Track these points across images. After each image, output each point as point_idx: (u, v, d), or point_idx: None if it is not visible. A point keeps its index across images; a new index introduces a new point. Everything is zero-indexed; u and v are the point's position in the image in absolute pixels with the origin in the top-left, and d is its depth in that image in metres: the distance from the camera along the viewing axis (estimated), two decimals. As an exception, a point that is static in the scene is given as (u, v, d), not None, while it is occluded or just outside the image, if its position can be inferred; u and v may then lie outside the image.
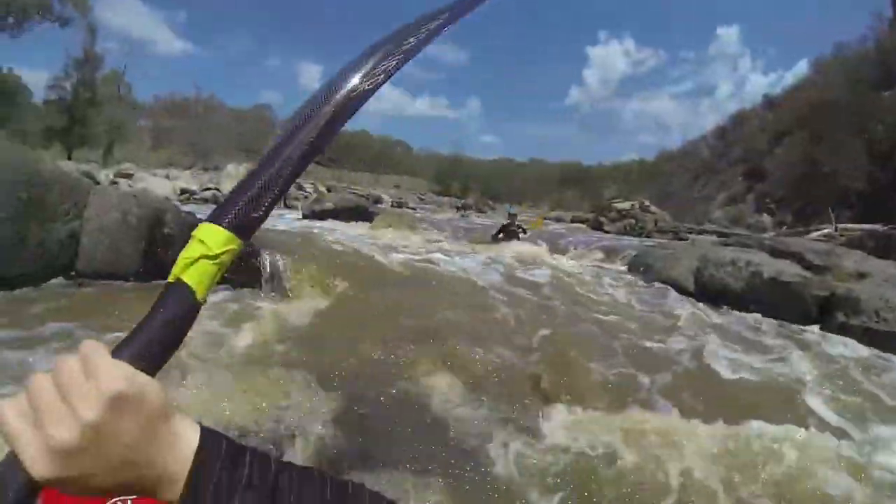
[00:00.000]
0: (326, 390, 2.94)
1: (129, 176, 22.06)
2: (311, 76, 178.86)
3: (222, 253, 0.60)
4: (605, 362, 4.07)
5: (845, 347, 5.24)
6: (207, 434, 0.49)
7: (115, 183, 17.61)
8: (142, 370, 0.47)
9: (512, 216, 12.34)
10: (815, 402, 3.62)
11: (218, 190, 24.23)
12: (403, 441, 2.62)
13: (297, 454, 2.37)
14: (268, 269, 5.07)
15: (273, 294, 4.92)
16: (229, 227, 0.61)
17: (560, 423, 2.91)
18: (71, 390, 0.43)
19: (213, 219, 0.62)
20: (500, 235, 11.68)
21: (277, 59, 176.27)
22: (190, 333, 0.51)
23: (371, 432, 2.65)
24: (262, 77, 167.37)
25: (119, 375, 0.45)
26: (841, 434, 3.06)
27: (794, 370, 4.33)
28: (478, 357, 3.79)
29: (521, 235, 11.60)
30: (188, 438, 0.48)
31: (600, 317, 5.64)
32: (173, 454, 0.46)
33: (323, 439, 2.52)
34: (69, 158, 31.69)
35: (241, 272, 4.96)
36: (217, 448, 0.48)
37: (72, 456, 0.42)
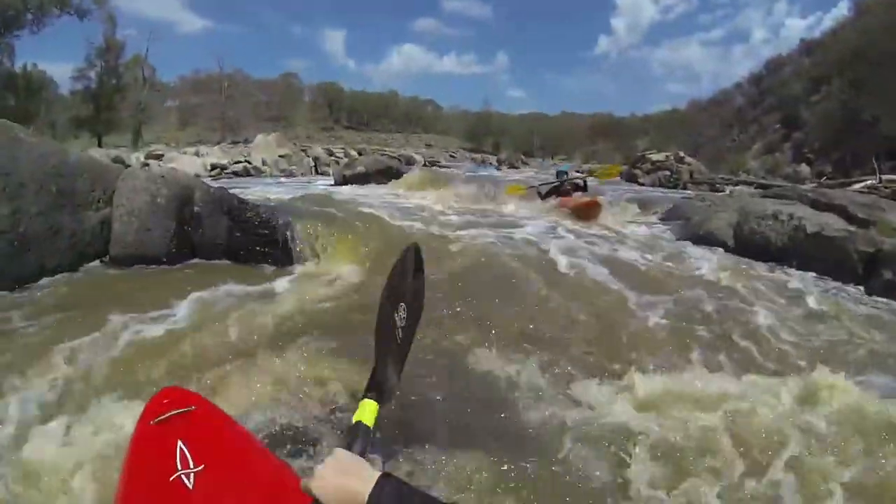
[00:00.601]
0: (362, 362, 2.90)
1: (159, 157, 22.32)
2: (336, 42, 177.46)
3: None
4: (651, 325, 4.02)
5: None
6: (383, 480, 0.85)
7: (147, 165, 17.80)
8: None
9: (561, 175, 11.17)
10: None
11: (248, 162, 24.30)
12: (452, 413, 2.60)
13: (341, 427, 2.37)
14: (303, 241, 5.09)
15: (310, 264, 4.95)
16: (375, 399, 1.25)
17: (611, 391, 2.82)
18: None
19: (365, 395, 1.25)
20: (551, 197, 10.53)
21: (301, 27, 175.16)
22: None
23: (420, 407, 2.62)
24: (288, 46, 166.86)
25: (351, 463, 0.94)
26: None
27: (837, 331, 4.17)
28: (519, 324, 3.74)
29: (577, 193, 10.32)
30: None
31: (642, 275, 5.56)
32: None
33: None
34: (99, 145, 32.26)
35: (273, 246, 5.00)
36: (391, 491, 0.84)
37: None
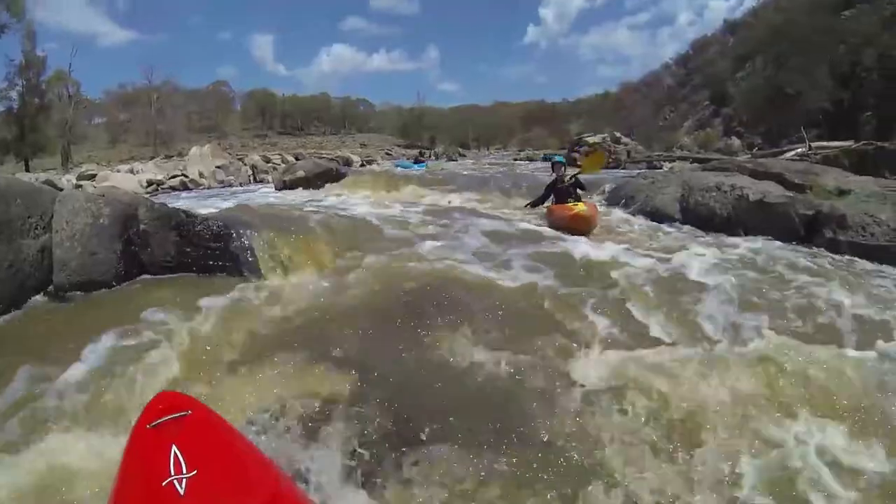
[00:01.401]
0: (344, 366, 2.90)
1: (92, 177, 21.43)
2: (265, 47, 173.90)
3: None
4: (608, 301, 4.11)
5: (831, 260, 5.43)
6: None
7: (80, 186, 17.07)
8: None
9: (558, 167, 8.33)
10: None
11: (185, 176, 23.64)
12: (433, 405, 2.61)
13: (336, 435, 2.37)
14: (257, 250, 4.88)
15: (261, 276, 4.73)
16: None
17: (583, 366, 2.92)
18: None
19: None
20: (548, 202, 8.23)
21: (228, 33, 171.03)
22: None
23: (400, 400, 2.63)
24: (216, 54, 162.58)
25: None
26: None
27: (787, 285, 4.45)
28: (488, 310, 3.75)
29: (579, 192, 8.03)
30: None
31: (597, 253, 5.67)
32: None
33: (355, 415, 2.52)
34: (27, 169, 30.69)
35: (232, 258, 4.81)
36: None
37: None
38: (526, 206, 9.02)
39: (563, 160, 8.66)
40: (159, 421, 1.53)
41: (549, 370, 2.91)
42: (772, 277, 4.73)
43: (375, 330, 3.47)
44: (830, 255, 5.63)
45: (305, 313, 3.87)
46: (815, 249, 5.79)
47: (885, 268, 5.19)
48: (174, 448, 1.45)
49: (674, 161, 19.26)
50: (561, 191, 7.83)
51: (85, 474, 2.11)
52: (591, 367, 2.90)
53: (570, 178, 8.03)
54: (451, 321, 3.54)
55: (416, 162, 30.85)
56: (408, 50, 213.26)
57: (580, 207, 6.97)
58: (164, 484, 1.38)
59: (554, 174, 8.24)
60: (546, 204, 8.19)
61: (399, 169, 24.69)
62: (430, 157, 39.01)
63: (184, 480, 1.39)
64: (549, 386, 2.75)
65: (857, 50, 30.66)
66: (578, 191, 7.92)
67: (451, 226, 7.09)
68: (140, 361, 2.99)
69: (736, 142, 34.90)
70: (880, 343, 3.11)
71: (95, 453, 2.23)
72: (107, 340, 3.31)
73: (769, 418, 2.36)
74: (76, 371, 2.93)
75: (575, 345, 3.26)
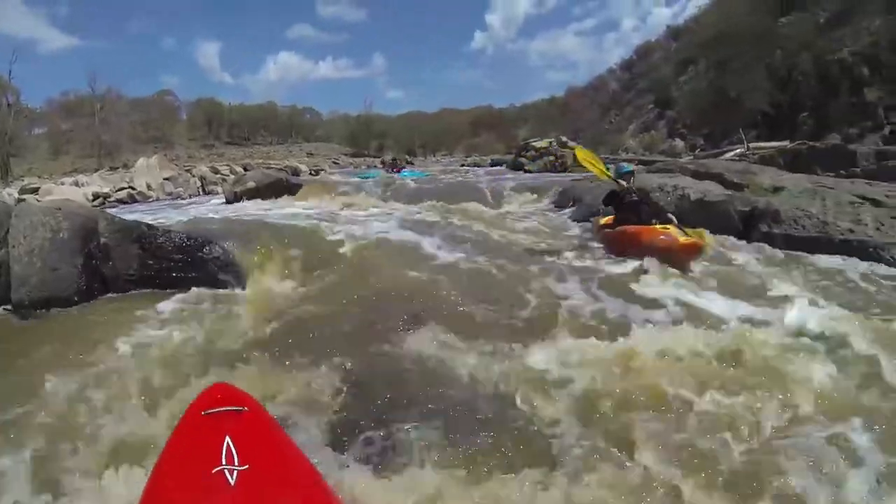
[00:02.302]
0: (320, 365, 3.02)
1: (34, 191, 20.65)
2: (210, 55, 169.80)
3: None
4: (557, 295, 4.44)
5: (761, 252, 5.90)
6: None
7: (22, 200, 16.52)
8: None
9: (626, 177, 6.33)
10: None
11: (133, 188, 23.07)
12: (404, 397, 2.75)
13: (314, 428, 2.47)
14: (223, 261, 4.93)
15: (232, 286, 4.78)
16: None
17: (533, 357, 3.13)
18: None
19: None
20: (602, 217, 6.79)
21: (172, 40, 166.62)
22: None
23: (372, 394, 2.77)
24: (160, 61, 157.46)
25: None
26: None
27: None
28: (449, 308, 3.97)
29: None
30: None
31: (547, 252, 6.06)
32: None
33: (331, 409, 2.64)
34: (-36, 183, 29.20)
35: (197, 269, 4.84)
36: None
37: None
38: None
39: (630, 170, 6.57)
40: (214, 410, 1.57)
41: (504, 361, 3.12)
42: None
43: (343, 331, 3.61)
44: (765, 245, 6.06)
45: (273, 319, 3.95)
46: (751, 245, 6.18)
47: (811, 255, 5.69)
48: (228, 439, 1.49)
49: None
50: (631, 206, 6.05)
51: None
52: (539, 356, 3.13)
53: (635, 191, 6.23)
54: (413, 322, 3.70)
55: (395, 170, 25.71)
56: (355, 57, 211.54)
57: (691, 235, 5.36)
58: (213, 472, 1.42)
59: (622, 184, 6.20)
60: (603, 219, 6.58)
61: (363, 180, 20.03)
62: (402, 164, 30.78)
63: (235, 472, 1.42)
64: (505, 376, 2.94)
65: (794, 54, 32.12)
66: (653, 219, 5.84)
67: (412, 232, 7.28)
68: (107, 377, 3.02)
69: (679, 143, 36.06)
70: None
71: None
72: (71, 357, 3.31)
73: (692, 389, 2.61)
74: (42, 391, 2.89)
75: (526, 337, 3.50)
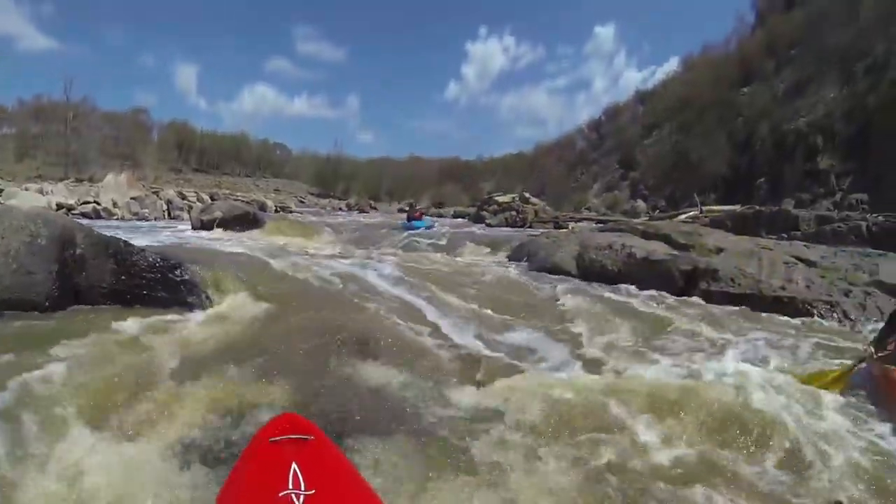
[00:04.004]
0: (274, 388, 3.24)
1: (-2, 191, 20.39)
2: (188, 77, 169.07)
3: None
4: (499, 337, 4.88)
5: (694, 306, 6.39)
6: None
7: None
8: None
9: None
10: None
11: (98, 203, 22.89)
12: (350, 421, 2.97)
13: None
14: (192, 284, 5.15)
15: (200, 308, 4.99)
16: None
17: (467, 392, 3.46)
18: None
19: None
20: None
21: (151, 58, 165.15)
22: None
23: (320, 411, 2.98)
24: (137, 77, 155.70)
25: None
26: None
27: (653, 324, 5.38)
28: (396, 342, 4.24)
29: None
30: None
31: (497, 300, 6.38)
32: None
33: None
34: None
35: (167, 289, 5.03)
36: None
37: None
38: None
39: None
40: (282, 438, 1.64)
41: (445, 386, 3.46)
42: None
43: (294, 357, 3.84)
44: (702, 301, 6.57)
45: (237, 340, 4.19)
46: (691, 301, 6.64)
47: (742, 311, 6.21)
48: (294, 465, 1.54)
49: (579, 221, 20.58)
50: None
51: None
52: (478, 381, 3.52)
53: None
54: (365, 348, 4.00)
55: (412, 219, 19.73)
56: (330, 96, 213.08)
57: None
58: (280, 495, 1.46)
59: None
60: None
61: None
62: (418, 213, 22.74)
63: (301, 496, 1.46)
64: (446, 399, 3.28)
65: (753, 122, 33.86)
66: None
67: (365, 268, 7.78)
68: (72, 384, 3.09)
69: (641, 204, 37.29)
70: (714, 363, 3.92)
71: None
72: (39, 361, 3.34)
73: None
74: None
75: (456, 366, 3.88)
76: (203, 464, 2.47)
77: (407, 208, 26.99)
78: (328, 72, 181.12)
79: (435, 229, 17.96)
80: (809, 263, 7.25)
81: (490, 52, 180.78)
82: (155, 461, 2.48)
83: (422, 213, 22.57)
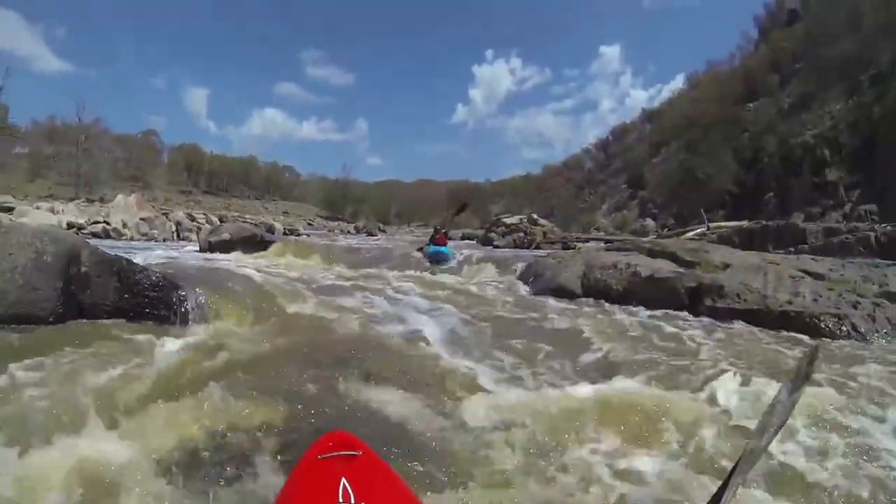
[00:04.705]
0: (271, 401, 3.24)
1: (9, 209, 20.55)
2: (198, 101, 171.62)
3: None
4: (502, 356, 4.80)
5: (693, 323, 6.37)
6: None
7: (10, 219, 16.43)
8: None
9: None
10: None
11: (107, 223, 23.15)
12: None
13: (255, 466, 2.63)
14: (194, 304, 5.20)
15: (201, 326, 5.03)
16: None
17: (471, 408, 3.40)
18: None
19: None
20: None
21: (163, 82, 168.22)
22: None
23: (311, 426, 3.00)
24: (148, 100, 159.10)
25: None
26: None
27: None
28: (395, 363, 4.23)
29: None
30: None
31: (501, 319, 6.40)
32: None
33: (270, 449, 2.81)
34: (-66, 192, 28.76)
35: (169, 308, 5.08)
36: None
37: None
38: None
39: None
40: (330, 455, 1.66)
41: (439, 407, 3.42)
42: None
43: (297, 372, 3.86)
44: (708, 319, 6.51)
45: (234, 358, 4.17)
46: (695, 318, 6.59)
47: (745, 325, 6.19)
48: (343, 480, 1.54)
49: (587, 242, 20.60)
50: None
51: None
52: (473, 404, 3.46)
53: None
54: (362, 366, 4.01)
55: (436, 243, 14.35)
56: (338, 120, 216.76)
57: None
58: None
59: None
60: None
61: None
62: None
63: None
64: (436, 419, 3.25)
65: (759, 137, 33.87)
66: None
67: (365, 290, 7.81)
68: (73, 393, 3.19)
69: (650, 223, 37.26)
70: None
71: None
72: (44, 369, 3.51)
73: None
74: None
75: (458, 385, 3.84)
76: (189, 479, 2.48)
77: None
78: (337, 96, 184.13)
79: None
80: (817, 276, 7.17)
81: (497, 75, 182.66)
82: (144, 469, 2.50)
83: (447, 237, 15.68)
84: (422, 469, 2.65)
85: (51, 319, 4.56)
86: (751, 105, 38.95)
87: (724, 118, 38.08)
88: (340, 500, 1.48)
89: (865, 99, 27.13)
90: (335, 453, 1.68)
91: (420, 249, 14.47)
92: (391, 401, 3.46)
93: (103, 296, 4.93)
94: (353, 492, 1.50)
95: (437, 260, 12.89)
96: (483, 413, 3.30)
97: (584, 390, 3.64)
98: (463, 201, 14.71)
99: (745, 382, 3.82)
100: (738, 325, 6.18)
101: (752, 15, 49.75)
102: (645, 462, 2.74)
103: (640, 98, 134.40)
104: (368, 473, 1.65)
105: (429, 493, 2.45)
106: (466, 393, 3.67)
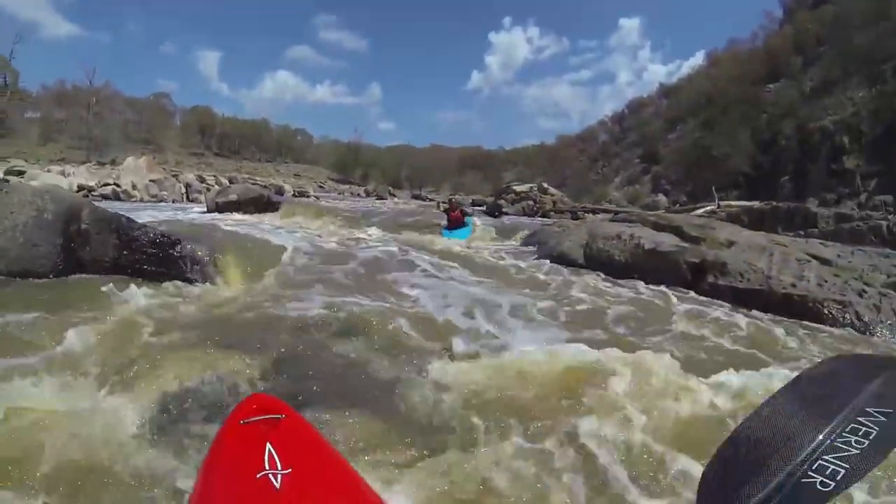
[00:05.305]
0: (254, 363, 3.25)
1: (21, 173, 20.73)
2: (210, 64, 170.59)
3: None
4: (488, 316, 4.84)
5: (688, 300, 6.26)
6: None
7: (6, 181, 16.56)
8: None
9: None
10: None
11: (118, 185, 23.28)
12: (327, 389, 3.03)
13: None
14: (192, 260, 5.26)
15: (199, 283, 5.11)
16: None
17: (442, 367, 3.43)
18: None
19: None
20: None
21: (174, 45, 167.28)
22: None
23: (301, 383, 3.05)
24: (159, 64, 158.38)
25: None
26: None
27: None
28: (384, 327, 4.22)
29: None
30: None
31: (493, 284, 6.37)
32: None
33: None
34: (-53, 155, 28.97)
35: (167, 264, 5.14)
36: None
37: None
38: None
39: None
40: (253, 419, 1.62)
41: (421, 371, 3.42)
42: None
43: (288, 332, 3.90)
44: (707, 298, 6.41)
45: (231, 312, 4.30)
46: (695, 296, 6.51)
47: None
48: (268, 445, 1.52)
49: (596, 213, 20.49)
50: None
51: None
52: (445, 365, 3.47)
53: None
54: (348, 331, 4.01)
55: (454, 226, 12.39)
56: (351, 84, 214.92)
57: None
58: (258, 476, 1.43)
59: None
60: None
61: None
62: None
63: (279, 476, 1.44)
64: (419, 382, 3.25)
65: (778, 120, 33.31)
66: None
67: (379, 255, 7.80)
68: (71, 343, 3.28)
69: (662, 199, 36.97)
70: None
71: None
72: (42, 320, 3.60)
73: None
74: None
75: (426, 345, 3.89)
76: (172, 427, 2.54)
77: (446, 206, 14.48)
78: (350, 60, 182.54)
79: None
80: (824, 261, 7.05)
81: (514, 43, 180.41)
82: (130, 418, 2.54)
83: (463, 213, 13.18)
84: (394, 428, 2.70)
85: (51, 275, 4.67)
86: (771, 86, 38.21)
87: (744, 98, 37.44)
88: (267, 466, 1.46)
89: (889, 88, 26.52)
90: (258, 417, 1.63)
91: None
92: (359, 361, 3.52)
93: (102, 252, 5.00)
94: (279, 457, 1.49)
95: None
96: (448, 374, 3.32)
97: (541, 355, 3.58)
98: (451, 199, 12.61)
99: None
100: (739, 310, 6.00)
101: (777, -7, 48.37)
102: (591, 424, 2.72)
103: (659, 73, 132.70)
104: (293, 437, 1.62)
105: (362, 455, 2.45)
106: (434, 354, 3.71)
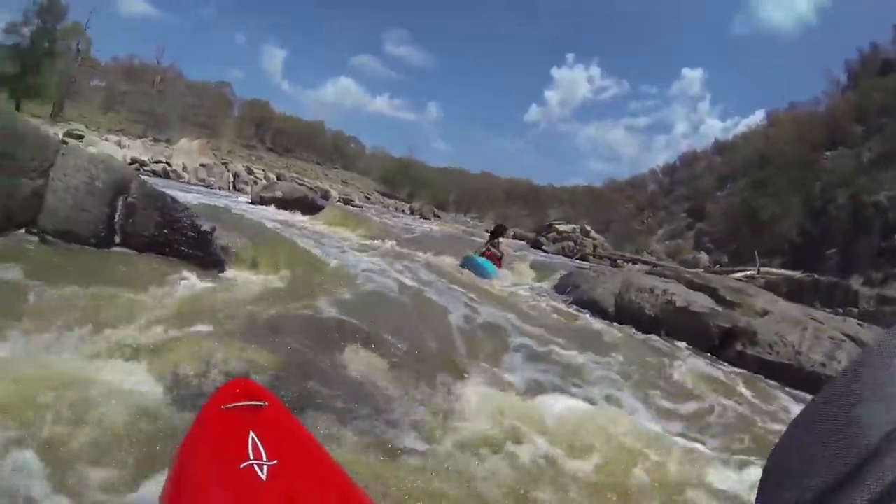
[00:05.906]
0: (260, 354, 3.30)
1: (79, 137, 21.37)
2: (275, 60, 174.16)
3: None
4: (513, 358, 4.83)
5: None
6: None
7: (65, 143, 17.13)
8: None
9: None
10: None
11: (168, 164, 23.86)
12: (332, 400, 3.02)
13: None
14: (228, 249, 5.44)
15: (222, 270, 5.25)
16: None
17: (466, 400, 3.44)
18: None
19: None
20: None
21: (243, 37, 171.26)
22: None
23: (309, 386, 3.06)
24: (225, 52, 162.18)
25: None
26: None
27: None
28: (398, 343, 4.21)
29: None
30: None
31: (518, 324, 6.19)
32: None
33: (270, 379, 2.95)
34: (17, 109, 30.02)
35: (204, 248, 5.26)
36: None
37: None
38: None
39: None
40: (235, 405, 1.56)
41: (438, 394, 3.44)
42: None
43: (305, 327, 3.98)
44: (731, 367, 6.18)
45: (256, 304, 4.38)
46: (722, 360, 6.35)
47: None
48: (252, 434, 1.46)
49: (634, 263, 20.27)
50: None
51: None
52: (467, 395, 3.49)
53: None
54: (361, 335, 4.04)
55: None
56: (410, 100, 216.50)
57: None
58: (242, 466, 1.38)
59: None
60: None
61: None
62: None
63: (265, 467, 1.39)
64: (427, 400, 3.29)
65: (832, 187, 32.36)
66: None
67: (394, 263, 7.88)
68: (105, 312, 3.43)
69: (704, 257, 36.27)
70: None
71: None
72: (78, 286, 3.75)
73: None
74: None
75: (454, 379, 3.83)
76: (165, 399, 2.63)
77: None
78: (413, 76, 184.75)
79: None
80: (860, 343, 6.80)
81: (575, 80, 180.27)
82: (129, 386, 2.63)
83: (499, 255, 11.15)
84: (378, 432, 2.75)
85: (92, 241, 4.81)
86: (829, 153, 37.21)
87: (800, 161, 36.43)
88: (251, 456, 1.41)
89: (951, 168, 25.68)
90: (240, 403, 1.57)
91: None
92: (368, 371, 3.54)
93: (144, 227, 5.11)
94: (263, 448, 1.44)
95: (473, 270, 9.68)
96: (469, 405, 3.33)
97: (550, 402, 3.63)
98: (501, 224, 12.42)
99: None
100: (760, 379, 5.86)
101: (843, 59, 47.30)
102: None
103: (715, 127, 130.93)
104: (277, 427, 1.57)
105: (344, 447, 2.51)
106: (460, 382, 3.71)
